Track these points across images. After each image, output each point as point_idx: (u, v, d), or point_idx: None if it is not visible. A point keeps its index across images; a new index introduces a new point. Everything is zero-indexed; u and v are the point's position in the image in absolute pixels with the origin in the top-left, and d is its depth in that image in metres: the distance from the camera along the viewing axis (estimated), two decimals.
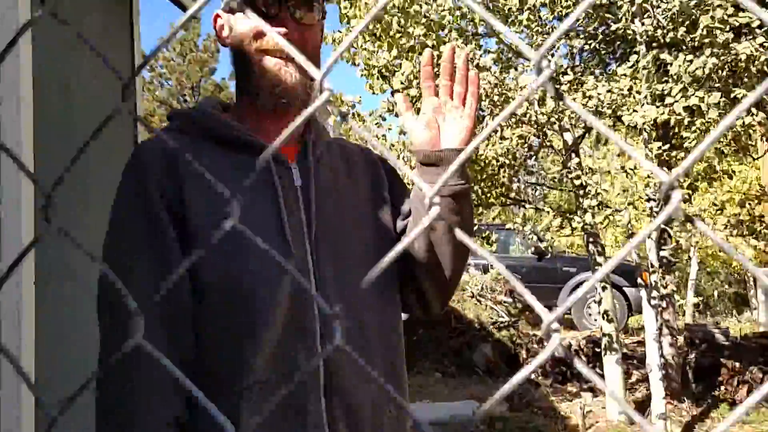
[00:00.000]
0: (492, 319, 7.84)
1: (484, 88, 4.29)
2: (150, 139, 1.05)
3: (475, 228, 6.12)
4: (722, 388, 5.90)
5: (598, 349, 6.79)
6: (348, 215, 1.05)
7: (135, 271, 0.91)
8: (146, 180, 0.94)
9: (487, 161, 5.20)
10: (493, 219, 6.69)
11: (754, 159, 5.94)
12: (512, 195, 6.12)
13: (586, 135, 5.62)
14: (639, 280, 5.43)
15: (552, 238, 5.11)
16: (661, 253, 5.14)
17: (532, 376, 6.80)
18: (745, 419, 5.22)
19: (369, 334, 1.02)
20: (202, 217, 0.93)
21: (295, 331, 0.93)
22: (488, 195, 5.67)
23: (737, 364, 6.02)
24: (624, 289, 8.50)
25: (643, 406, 5.45)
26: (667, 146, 4.28)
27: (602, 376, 5.46)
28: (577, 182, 4.66)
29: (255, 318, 0.91)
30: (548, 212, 5.26)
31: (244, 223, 0.88)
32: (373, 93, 4.98)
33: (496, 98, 4.40)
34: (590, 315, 8.70)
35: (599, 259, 5.31)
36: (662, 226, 4.93)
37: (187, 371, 0.89)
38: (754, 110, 3.77)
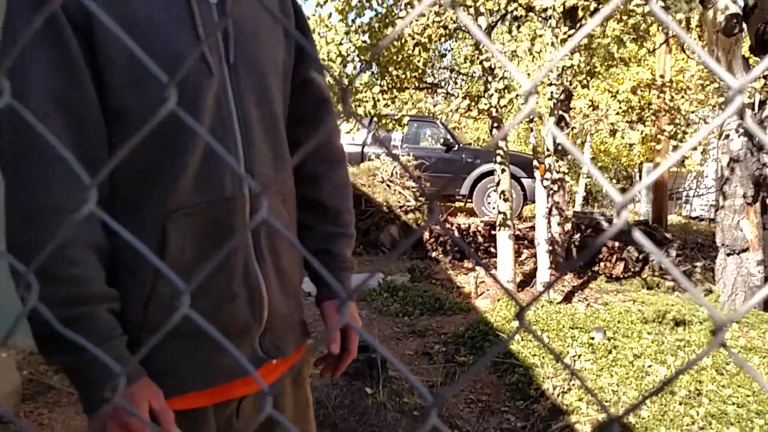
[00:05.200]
0: (399, 203, 8.16)
1: None
2: None
3: (389, 111, 6.20)
4: (602, 264, 6.58)
5: (493, 232, 7.30)
6: (263, 38, 1.02)
7: (33, 82, 0.83)
8: None
9: (403, 40, 5.23)
10: (405, 104, 6.79)
11: (649, 51, 6.31)
12: (426, 79, 6.23)
13: (501, 21, 5.73)
14: (542, 170, 5.79)
15: (459, 120, 5.29)
16: (558, 140, 5.49)
17: (433, 254, 7.26)
18: (619, 288, 5.90)
19: (284, 163, 1.07)
20: (111, 35, 0.85)
21: (217, 156, 0.92)
22: (403, 78, 5.75)
23: (617, 245, 6.70)
24: (521, 179, 9.00)
25: (530, 276, 6.01)
26: (572, 31, 4.47)
27: (496, 254, 5.92)
28: (486, 64, 4.81)
29: (176, 142, 0.90)
30: (457, 95, 5.43)
31: (157, 39, 0.90)
32: None
33: None
34: (489, 204, 9.21)
35: (501, 144, 5.61)
36: (560, 113, 5.24)
37: (102, 199, 0.89)
38: None
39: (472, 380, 4.02)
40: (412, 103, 7.26)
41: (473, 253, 0.43)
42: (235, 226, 0.96)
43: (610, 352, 4.12)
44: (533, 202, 8.94)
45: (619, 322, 4.64)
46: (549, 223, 5.49)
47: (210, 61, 0.93)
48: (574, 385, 3.82)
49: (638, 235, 0.41)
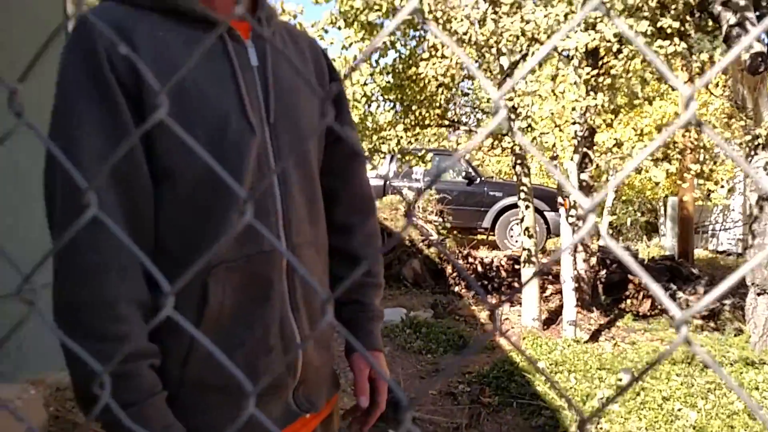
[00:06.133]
0: (422, 237, 8.17)
1: (428, 3, 4.34)
2: (93, 10, 0.95)
3: (411, 148, 6.28)
4: (628, 301, 6.49)
5: (517, 266, 7.26)
6: (301, 96, 1.06)
7: (86, 149, 0.86)
8: (95, 56, 0.87)
9: (426, 81, 5.31)
10: (428, 142, 6.89)
11: (672, 89, 6.32)
12: (449, 116, 6.29)
13: (522, 60, 5.79)
14: (566, 204, 5.78)
15: (483, 158, 5.34)
16: (582, 176, 5.49)
17: (456, 289, 7.23)
18: (646, 327, 5.82)
19: (319, 215, 1.10)
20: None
21: (258, 212, 0.94)
22: (426, 116, 5.82)
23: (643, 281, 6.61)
24: (545, 213, 8.97)
25: (556, 314, 5.95)
26: (595, 72, 4.50)
27: (519, 288, 5.88)
28: (509, 104, 4.85)
29: (218, 200, 0.93)
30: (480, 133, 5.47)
31: (204, 102, 0.95)
32: (317, 2, 4.93)
33: (438, 15, 4.46)
34: (512, 237, 9.18)
35: (525, 180, 5.62)
36: (584, 150, 5.25)
37: (147, 253, 0.92)
38: (677, 40, 4.03)
39: (498, 422, 3.97)
40: (435, 139, 7.33)
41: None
42: (273, 278, 0.98)
43: (638, 394, 4.05)
44: (557, 235, 8.90)
45: (647, 362, 4.56)
46: (574, 259, 5.46)
47: (253, 121, 0.96)
48: (601, 429, 3.75)
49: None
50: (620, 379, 4.21)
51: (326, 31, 5.31)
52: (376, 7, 4.89)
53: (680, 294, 6.53)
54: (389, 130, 5.52)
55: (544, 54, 0.37)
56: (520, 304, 5.98)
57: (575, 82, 4.65)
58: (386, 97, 5.63)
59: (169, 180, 0.92)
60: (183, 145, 0.91)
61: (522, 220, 5.76)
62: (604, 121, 4.60)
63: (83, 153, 0.86)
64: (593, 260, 6.45)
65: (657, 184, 8.11)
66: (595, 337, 5.42)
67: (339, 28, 5.13)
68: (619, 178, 0.46)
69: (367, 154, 5.52)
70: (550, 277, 7.27)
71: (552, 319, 5.97)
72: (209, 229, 0.94)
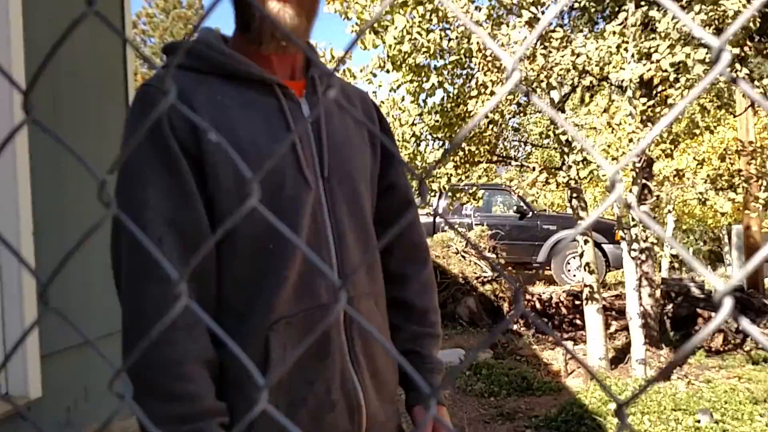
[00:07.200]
0: (476, 274, 8.03)
1: (477, 43, 4.35)
2: (155, 76, 0.99)
3: (462, 185, 6.26)
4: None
5: (578, 302, 7.04)
6: (353, 149, 1.08)
7: (152, 213, 0.89)
8: (158, 123, 0.90)
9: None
10: (479, 178, 6.85)
11: (734, 116, 6.10)
12: (498, 152, 6.24)
13: (572, 93, 5.72)
14: (619, 236, 5.60)
15: (537, 193, 5.25)
16: (642, 208, 5.32)
17: (515, 327, 7.05)
18: (721, 364, 5.51)
19: (375, 265, 1.10)
20: (219, 156, 0.92)
21: (315, 266, 0.97)
22: (475, 153, 5.78)
23: (713, 314, 6.30)
24: (603, 245, 8.74)
25: (623, 352, 5.71)
26: (651, 102, 4.39)
27: (583, 326, 5.68)
28: (563, 138, 4.77)
29: (277, 257, 0.94)
30: (533, 168, 5.40)
31: (261, 159, 0.95)
32: (365, 48, 5.01)
33: (488, 53, 4.46)
34: (569, 271, 8.94)
35: (582, 214, 5.48)
36: (643, 181, 5.10)
37: (210, 310, 0.94)
38: (738, 65, 3.89)
39: None
40: (485, 174, 7.29)
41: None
42: (332, 333, 0.98)
43: None
44: (616, 268, 8.62)
45: (726, 402, 4.31)
46: (639, 294, 5.25)
47: (307, 175, 0.98)
48: None
49: (746, 324, 0.37)
50: (698, 421, 3.98)
51: (375, 75, 5.38)
52: (424, 49, 4.94)
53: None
54: (438, 168, 5.50)
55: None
56: (585, 342, 5.76)
57: (630, 114, 4.54)
58: (435, 135, 5.63)
59: (230, 238, 0.94)
60: (237, 204, 0.92)
61: (581, 255, 5.60)
62: (663, 151, 4.46)
63: (146, 211, 0.89)
64: (658, 293, 6.20)
65: (723, 214, 7.80)
66: (666, 375, 5.15)
67: (387, 71, 5.20)
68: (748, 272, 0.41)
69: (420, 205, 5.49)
70: (613, 312, 7.01)
71: (619, 357, 5.72)
72: (267, 285, 0.95)
